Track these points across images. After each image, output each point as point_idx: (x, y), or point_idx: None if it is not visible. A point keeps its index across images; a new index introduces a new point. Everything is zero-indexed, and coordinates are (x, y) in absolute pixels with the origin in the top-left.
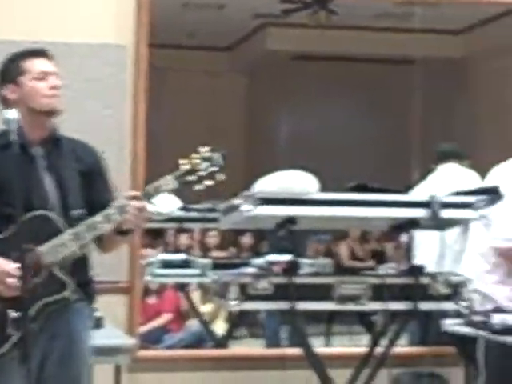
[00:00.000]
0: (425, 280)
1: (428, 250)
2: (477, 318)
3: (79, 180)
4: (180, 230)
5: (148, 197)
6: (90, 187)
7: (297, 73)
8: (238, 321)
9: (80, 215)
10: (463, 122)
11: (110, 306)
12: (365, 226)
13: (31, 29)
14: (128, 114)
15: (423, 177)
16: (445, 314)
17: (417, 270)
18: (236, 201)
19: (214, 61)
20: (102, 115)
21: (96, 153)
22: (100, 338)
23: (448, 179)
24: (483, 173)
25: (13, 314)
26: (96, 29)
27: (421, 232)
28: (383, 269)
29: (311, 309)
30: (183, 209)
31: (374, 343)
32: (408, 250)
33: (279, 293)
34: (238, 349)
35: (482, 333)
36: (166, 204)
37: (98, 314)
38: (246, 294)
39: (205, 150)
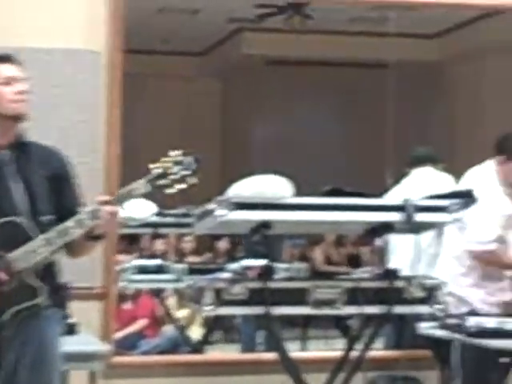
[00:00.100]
0: (399, 283)
1: (403, 253)
2: (452, 321)
3: (47, 185)
4: (155, 236)
5: (120, 201)
6: (58, 192)
7: (272, 77)
8: (213, 326)
9: (49, 221)
10: (438, 126)
11: (84, 312)
12: (339, 230)
13: (4, 34)
14: (102, 120)
15: (397, 181)
16: (420, 318)
17: (391, 274)
18: (210, 206)
19: (189, 66)
20: (77, 121)
21: (63, 158)
22: (75, 344)
23: (422, 183)
24: (459, 176)
25: None
26: (70, 34)
27: (396, 236)
28: (358, 273)
29: (286, 313)
30: (158, 214)
31: (350, 347)
32: (382, 254)
33: (254, 297)
34: (213, 354)
35: (456, 336)
36: (141, 209)
37: (72, 320)
38: (220, 299)
39: (176, 154)
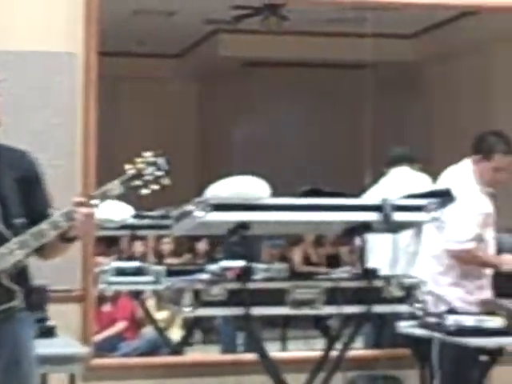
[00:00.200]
0: (378, 283)
1: (381, 253)
2: (431, 320)
3: (17, 188)
4: (134, 238)
5: (95, 202)
6: (28, 195)
7: (249, 79)
8: (193, 327)
9: (22, 224)
10: (416, 126)
11: (63, 315)
12: (318, 231)
13: None
14: (79, 122)
15: (375, 180)
16: (399, 317)
17: (370, 273)
18: (188, 207)
19: (165, 68)
20: (53, 123)
21: (33, 160)
22: (53, 346)
23: (399, 182)
24: (437, 176)
25: None
26: (45, 37)
27: (374, 235)
28: (337, 273)
29: (266, 314)
30: (136, 216)
31: (329, 347)
32: (361, 254)
33: (233, 298)
34: (193, 355)
35: (436, 334)
36: (119, 211)
37: (51, 322)
38: (199, 300)
39: (149, 155)
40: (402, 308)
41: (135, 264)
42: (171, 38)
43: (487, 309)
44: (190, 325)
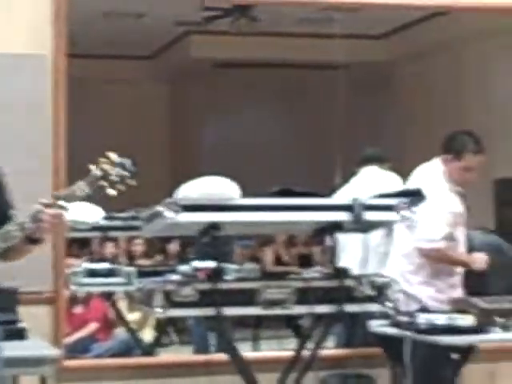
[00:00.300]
0: (349, 282)
1: (353, 252)
2: (402, 319)
3: None
4: (105, 239)
5: (61, 203)
6: None
7: (220, 80)
8: (166, 328)
9: None
10: (388, 125)
11: (34, 317)
12: (289, 230)
13: None
14: (48, 125)
15: (346, 180)
16: (370, 316)
17: (341, 273)
18: (158, 208)
19: (136, 70)
20: (23, 125)
21: None
22: (24, 349)
23: (369, 182)
24: (409, 175)
25: None
26: (14, 39)
27: (345, 235)
28: (309, 273)
29: (237, 314)
30: (107, 218)
31: (301, 346)
32: (332, 253)
33: (204, 299)
34: (164, 356)
35: (407, 333)
36: (90, 213)
37: (22, 324)
38: (170, 301)
39: (114, 156)
40: (374, 307)
41: (106, 265)
42: (142, 40)
43: (458, 307)
44: (163, 326)
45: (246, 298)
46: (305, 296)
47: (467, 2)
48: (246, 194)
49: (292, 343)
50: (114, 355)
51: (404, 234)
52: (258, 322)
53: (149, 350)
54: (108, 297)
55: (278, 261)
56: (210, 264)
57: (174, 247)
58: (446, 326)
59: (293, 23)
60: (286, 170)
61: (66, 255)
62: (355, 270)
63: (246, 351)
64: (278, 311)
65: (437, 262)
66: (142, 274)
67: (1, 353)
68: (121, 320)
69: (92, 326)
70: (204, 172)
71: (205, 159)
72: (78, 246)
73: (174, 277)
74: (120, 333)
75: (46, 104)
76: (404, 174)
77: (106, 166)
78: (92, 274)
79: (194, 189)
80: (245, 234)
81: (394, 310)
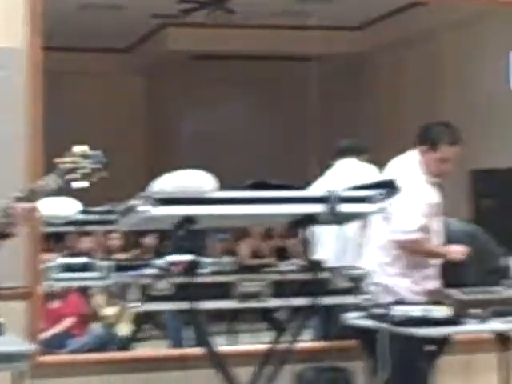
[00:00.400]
0: (325, 275)
1: (328, 245)
2: (378, 311)
3: None
4: (82, 233)
5: (32, 197)
6: None
7: (196, 72)
8: (143, 322)
9: None
10: (363, 116)
11: (10, 313)
12: (264, 223)
13: None
14: (24, 118)
15: (322, 172)
16: (346, 308)
17: (316, 266)
18: (133, 202)
19: (113, 63)
20: None
21: None
22: None
23: (345, 174)
24: (385, 166)
25: None
26: None
27: (321, 227)
28: (285, 265)
29: (212, 308)
30: (83, 212)
31: (277, 340)
32: (307, 246)
33: (180, 293)
34: (139, 351)
35: (382, 325)
36: (65, 207)
37: None
38: (146, 295)
39: (81, 148)
40: (349, 299)
41: (83, 260)
42: (118, 32)
43: (434, 298)
44: (139, 320)
45: (222, 291)
46: (280, 289)
47: None
48: (222, 184)
49: (268, 336)
50: (89, 350)
51: (380, 226)
52: (233, 316)
53: (124, 345)
54: (84, 291)
55: (255, 254)
56: (186, 258)
57: (149, 241)
58: (421, 318)
59: (268, 15)
60: (261, 162)
61: (42, 250)
62: (332, 263)
63: (222, 345)
64: (253, 304)
65: (412, 253)
66: (119, 268)
67: None
68: (95, 315)
69: (68, 321)
70: (181, 164)
71: (182, 151)
72: (53, 240)
73: (150, 271)
74: (95, 328)
75: (22, 98)
76: (380, 165)
77: (76, 159)
78: (68, 268)
79: (168, 182)
80: (220, 228)
81: (369, 302)
